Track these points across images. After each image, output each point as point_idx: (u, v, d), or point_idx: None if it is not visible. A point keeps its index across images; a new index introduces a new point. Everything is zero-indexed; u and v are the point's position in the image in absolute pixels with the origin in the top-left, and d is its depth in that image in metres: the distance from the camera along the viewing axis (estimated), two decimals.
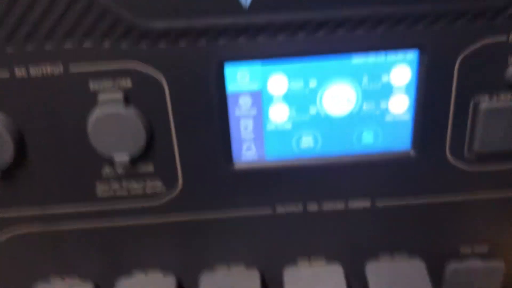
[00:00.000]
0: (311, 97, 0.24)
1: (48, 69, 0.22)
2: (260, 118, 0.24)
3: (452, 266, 0.27)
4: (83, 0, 0.20)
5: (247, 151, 0.25)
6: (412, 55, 0.23)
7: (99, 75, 0.22)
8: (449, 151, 0.25)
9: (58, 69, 0.22)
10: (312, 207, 0.26)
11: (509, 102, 0.23)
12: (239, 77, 0.23)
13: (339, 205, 0.26)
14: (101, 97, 0.22)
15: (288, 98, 0.24)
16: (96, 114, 0.22)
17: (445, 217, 0.26)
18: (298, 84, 0.23)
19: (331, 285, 0.26)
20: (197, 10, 0.21)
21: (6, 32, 0.21)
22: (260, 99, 0.24)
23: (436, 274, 0.28)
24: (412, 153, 0.25)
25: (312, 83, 0.23)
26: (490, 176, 0.25)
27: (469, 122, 0.24)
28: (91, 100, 0.22)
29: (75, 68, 0.22)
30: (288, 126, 0.24)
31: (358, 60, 0.23)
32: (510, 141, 0.24)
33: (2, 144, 0.23)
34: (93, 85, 0.22)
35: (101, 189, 0.25)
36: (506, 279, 0.28)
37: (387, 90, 0.24)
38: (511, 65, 0.23)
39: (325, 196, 0.26)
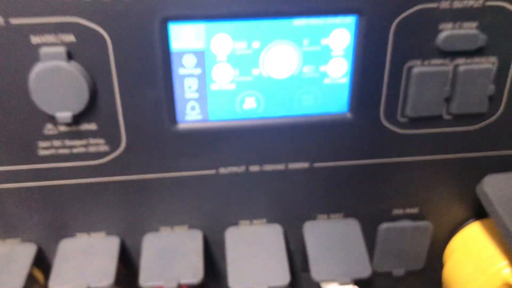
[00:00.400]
0: (254, 58, 0.24)
1: None
2: (204, 78, 0.24)
3: (384, 226, 0.29)
4: None
5: (190, 111, 0.25)
6: (350, 20, 0.24)
7: (41, 29, 0.22)
8: (384, 115, 0.26)
9: None
10: (254, 168, 0.27)
11: (439, 67, 0.25)
12: (183, 36, 0.23)
13: (279, 166, 0.27)
14: (43, 50, 0.22)
15: (232, 59, 0.24)
16: (37, 69, 0.22)
17: (379, 179, 0.28)
18: (241, 45, 0.24)
19: (270, 244, 0.27)
20: None
21: None
22: (204, 59, 0.24)
23: (370, 233, 0.29)
24: (348, 115, 0.26)
25: (255, 44, 0.24)
26: (421, 139, 0.27)
27: (402, 86, 0.25)
28: (33, 54, 0.22)
29: (16, 21, 0.22)
30: (232, 87, 0.25)
31: (299, 22, 0.24)
32: (440, 106, 0.26)
33: None
34: (34, 39, 0.22)
35: (42, 147, 0.24)
36: (433, 238, 0.30)
37: (327, 54, 0.25)
38: (441, 31, 0.24)
39: (266, 157, 0.26)
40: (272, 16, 0.23)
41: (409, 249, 0.30)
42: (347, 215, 0.29)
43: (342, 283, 0.26)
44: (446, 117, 0.26)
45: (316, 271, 0.26)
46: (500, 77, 0.26)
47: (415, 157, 0.27)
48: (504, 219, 0.25)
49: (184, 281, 0.25)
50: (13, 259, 0.25)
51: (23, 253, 0.26)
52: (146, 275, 0.25)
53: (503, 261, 0.27)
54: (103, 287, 0.24)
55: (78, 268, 0.25)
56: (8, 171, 0.25)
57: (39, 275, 0.27)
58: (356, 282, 0.26)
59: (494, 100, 0.26)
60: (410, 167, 0.28)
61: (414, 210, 0.29)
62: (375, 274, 0.30)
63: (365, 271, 0.26)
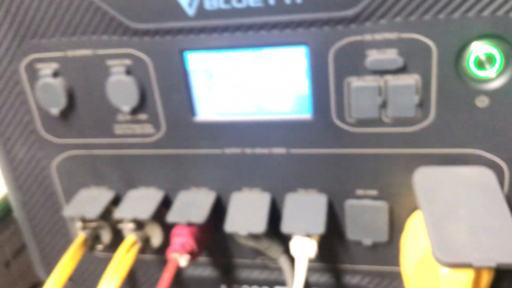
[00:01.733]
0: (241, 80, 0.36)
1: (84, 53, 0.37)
2: (212, 87, 0.37)
3: (349, 202, 0.38)
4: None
5: (203, 108, 0.38)
6: (302, 50, 0.34)
7: (113, 55, 0.37)
8: (336, 117, 0.35)
9: (88, 52, 0.37)
10: (248, 150, 0.38)
11: (372, 82, 0.34)
12: (194, 60, 0.36)
13: (265, 150, 0.38)
14: (112, 69, 0.37)
15: (228, 76, 0.36)
16: (110, 80, 0.37)
17: (342, 165, 0.37)
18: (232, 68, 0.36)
19: (259, 205, 0.38)
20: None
21: None
22: (211, 75, 0.37)
23: (340, 207, 0.38)
24: (311, 117, 0.36)
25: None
26: (369, 136, 0.36)
27: (345, 96, 0.35)
28: (107, 72, 0.37)
29: (99, 52, 0.37)
30: (230, 93, 0.37)
31: (267, 52, 0.35)
32: (376, 111, 0.34)
33: (59, 96, 0.38)
34: (108, 62, 0.37)
35: (116, 128, 0.39)
36: (391, 216, 0.38)
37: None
38: (368, 56, 0.33)
39: (256, 143, 0.38)
40: (247, 47, 0.35)
41: (372, 223, 0.38)
42: (320, 191, 0.38)
43: (302, 236, 0.36)
44: (385, 119, 0.35)
45: (285, 225, 0.37)
46: (425, 90, 0.33)
47: (365, 149, 0.36)
48: (422, 205, 0.33)
49: (193, 219, 0.38)
50: (98, 198, 0.41)
51: (106, 195, 0.41)
52: (172, 215, 0.38)
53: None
54: (143, 217, 0.38)
55: (136, 203, 0.40)
56: (96, 143, 0.40)
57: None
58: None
59: (424, 107, 0.34)
60: (365, 157, 0.36)
61: (374, 192, 0.37)
62: (349, 242, 0.39)
63: (319, 229, 0.36)
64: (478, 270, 0.32)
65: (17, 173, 0.43)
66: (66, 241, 0.45)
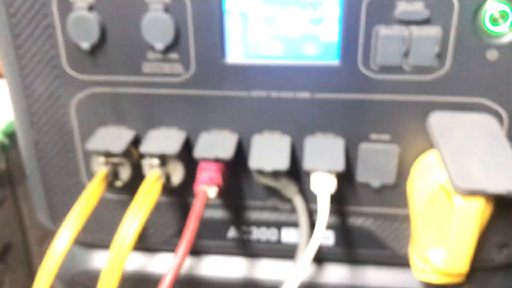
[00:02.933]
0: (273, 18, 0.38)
1: None
2: (246, 31, 0.39)
3: (363, 146, 0.41)
4: None
5: (234, 51, 0.40)
6: None
7: None
8: (361, 64, 0.39)
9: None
10: (274, 94, 0.40)
11: (398, 31, 0.37)
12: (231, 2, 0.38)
13: (290, 94, 0.40)
14: (151, 6, 0.38)
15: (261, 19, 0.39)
16: (147, 16, 0.38)
17: (361, 110, 0.40)
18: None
19: (281, 146, 0.41)
20: None
21: None
22: (246, 18, 0.39)
23: (354, 150, 0.42)
24: (338, 63, 0.39)
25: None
26: (389, 83, 0.39)
27: (373, 43, 0.38)
28: (145, 8, 0.38)
29: None
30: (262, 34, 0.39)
31: None
32: (400, 58, 0.38)
33: (92, 30, 0.39)
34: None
35: (145, 66, 0.40)
36: (400, 160, 0.41)
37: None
38: (398, 7, 0.37)
39: (282, 87, 0.40)
40: None
41: (381, 166, 0.41)
42: (337, 134, 0.41)
43: (323, 172, 0.39)
44: (406, 67, 0.38)
45: (307, 163, 0.39)
46: (444, 41, 0.37)
47: (384, 95, 0.39)
48: (438, 142, 0.37)
49: (220, 155, 0.39)
50: (121, 135, 0.42)
51: (128, 133, 0.42)
52: (199, 151, 0.40)
53: (441, 169, 0.38)
54: (171, 152, 0.40)
55: (161, 140, 0.41)
56: (123, 81, 0.41)
57: (134, 151, 0.43)
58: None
59: (441, 57, 0.38)
60: (383, 103, 0.40)
61: (386, 137, 0.41)
62: (357, 184, 0.43)
63: (339, 166, 0.39)
64: (485, 201, 0.36)
65: (32, 109, 0.43)
66: (75, 183, 0.45)
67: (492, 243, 0.44)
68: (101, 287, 0.37)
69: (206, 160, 0.40)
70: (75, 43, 0.39)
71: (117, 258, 0.37)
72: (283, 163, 0.39)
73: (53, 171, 0.45)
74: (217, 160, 0.40)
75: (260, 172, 0.41)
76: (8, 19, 0.40)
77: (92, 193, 0.40)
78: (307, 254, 0.38)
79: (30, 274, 0.67)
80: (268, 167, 0.39)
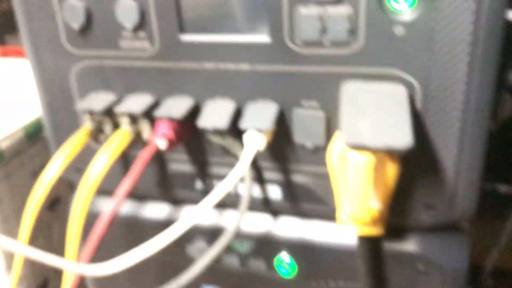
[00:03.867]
0: None
1: None
2: (197, 12, 0.47)
3: (296, 111, 0.48)
4: None
5: (187, 29, 0.48)
6: None
7: None
8: (288, 39, 0.45)
9: None
10: (221, 65, 0.48)
11: (314, 11, 0.43)
12: None
13: (233, 66, 0.48)
14: None
15: None
16: (119, 3, 0.48)
17: (292, 80, 0.47)
18: None
19: (224, 111, 0.48)
20: None
21: None
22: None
23: (289, 116, 0.48)
24: (269, 40, 0.46)
25: None
26: (312, 56, 0.45)
27: (296, 22, 0.44)
28: None
29: None
30: None
31: None
32: (317, 35, 0.44)
33: (80, 14, 0.49)
34: None
35: (122, 43, 0.50)
36: (328, 125, 0.47)
37: None
38: None
39: (227, 59, 0.48)
40: None
41: (312, 129, 0.48)
42: (273, 100, 0.48)
43: (254, 130, 0.46)
44: (326, 42, 0.44)
45: (242, 123, 0.47)
46: (356, 18, 0.43)
47: (310, 67, 0.46)
48: (341, 108, 0.43)
49: (172, 115, 0.48)
50: (104, 98, 0.52)
51: (110, 97, 0.52)
52: (157, 111, 0.49)
53: None
54: (135, 111, 0.49)
55: (132, 103, 0.50)
56: (107, 55, 0.51)
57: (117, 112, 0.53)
58: None
59: (354, 33, 0.43)
60: (308, 74, 0.46)
61: (314, 103, 0.47)
62: (296, 145, 0.49)
63: (268, 126, 0.46)
64: (381, 158, 0.42)
65: (45, 77, 0.54)
66: None
67: (420, 203, 0.48)
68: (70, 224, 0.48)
69: (162, 118, 0.49)
70: (70, 25, 0.50)
71: (80, 194, 0.47)
72: (223, 123, 0.47)
73: (61, 125, 0.57)
74: (171, 119, 0.49)
75: (208, 131, 0.49)
76: (24, 5, 0.51)
77: (77, 143, 0.51)
78: (212, 197, 0.46)
79: None
80: (210, 125, 0.47)
